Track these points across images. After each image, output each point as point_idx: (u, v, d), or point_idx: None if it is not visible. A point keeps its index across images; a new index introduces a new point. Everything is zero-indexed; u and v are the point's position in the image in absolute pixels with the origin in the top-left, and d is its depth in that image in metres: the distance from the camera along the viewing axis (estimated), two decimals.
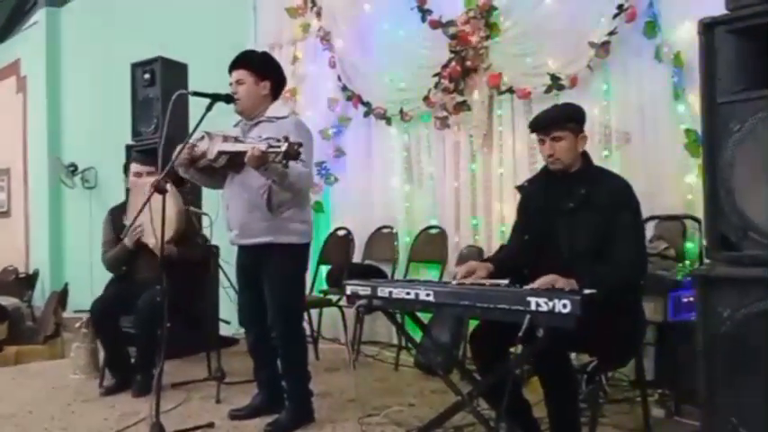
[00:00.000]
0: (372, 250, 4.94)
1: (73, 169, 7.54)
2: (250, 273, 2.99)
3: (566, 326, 1.87)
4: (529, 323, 1.92)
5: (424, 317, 2.87)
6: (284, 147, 2.42)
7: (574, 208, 2.39)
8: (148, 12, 6.78)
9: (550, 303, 1.89)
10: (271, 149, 2.46)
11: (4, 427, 3.04)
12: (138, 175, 3.77)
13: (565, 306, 1.86)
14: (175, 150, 2.78)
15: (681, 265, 3.26)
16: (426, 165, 4.86)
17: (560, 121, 2.44)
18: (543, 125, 2.46)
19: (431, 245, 4.62)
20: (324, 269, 4.96)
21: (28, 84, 8.50)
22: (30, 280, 7.65)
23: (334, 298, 4.47)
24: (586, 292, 1.94)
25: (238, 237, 2.96)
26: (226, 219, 3.01)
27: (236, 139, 2.81)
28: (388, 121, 4.98)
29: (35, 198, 8.20)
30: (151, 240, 3.44)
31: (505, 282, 2.32)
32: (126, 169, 3.99)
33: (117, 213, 3.89)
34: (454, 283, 2.40)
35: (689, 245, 3.39)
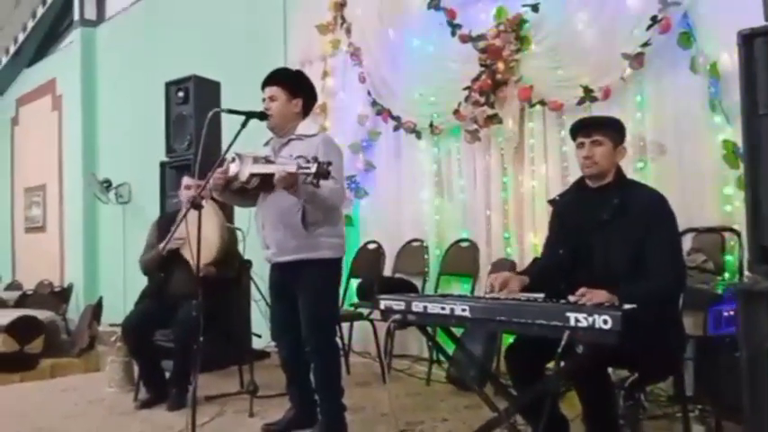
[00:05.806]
0: (403, 263, 4.93)
1: (107, 185, 7.69)
2: (284, 288, 3.01)
3: (607, 342, 1.83)
4: (568, 339, 1.89)
5: (457, 331, 2.85)
6: (314, 168, 2.46)
7: (608, 220, 2.37)
8: (181, 31, 6.92)
9: (590, 319, 1.85)
10: (301, 170, 2.49)
11: None
12: (188, 187, 3.80)
13: (606, 322, 1.81)
14: (209, 174, 2.81)
15: (720, 278, 3.20)
16: (456, 178, 4.85)
17: (603, 126, 2.48)
18: (586, 125, 2.51)
19: (462, 258, 4.59)
20: (354, 282, 4.96)
21: (63, 102, 8.74)
22: (64, 293, 7.79)
23: (365, 311, 4.46)
24: (627, 307, 1.90)
25: (275, 255, 2.97)
26: (261, 237, 3.02)
27: (267, 160, 2.84)
28: (418, 134, 4.98)
29: (70, 213, 8.38)
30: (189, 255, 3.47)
31: (541, 296, 2.30)
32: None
33: (163, 222, 3.96)
34: (488, 296, 2.38)
35: (728, 257, 3.32)
